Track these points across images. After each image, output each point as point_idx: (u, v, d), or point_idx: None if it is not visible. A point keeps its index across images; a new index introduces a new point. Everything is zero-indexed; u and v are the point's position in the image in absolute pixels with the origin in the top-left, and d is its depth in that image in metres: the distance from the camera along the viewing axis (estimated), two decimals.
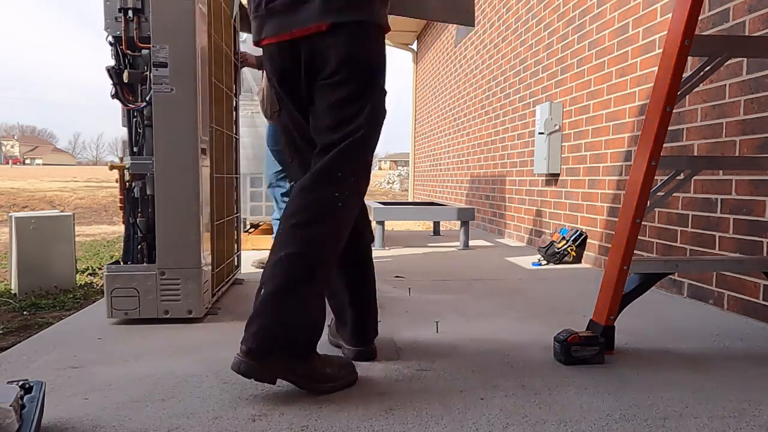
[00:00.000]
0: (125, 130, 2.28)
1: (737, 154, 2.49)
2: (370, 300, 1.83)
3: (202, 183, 2.25)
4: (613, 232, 1.88)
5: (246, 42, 3.35)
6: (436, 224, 5.82)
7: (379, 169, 68.86)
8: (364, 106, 1.63)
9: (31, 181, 18.16)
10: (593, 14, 3.82)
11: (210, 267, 2.41)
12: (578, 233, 3.85)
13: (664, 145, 1.86)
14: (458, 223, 4.75)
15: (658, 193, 1.99)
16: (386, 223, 4.88)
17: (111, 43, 2.20)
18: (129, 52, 2.18)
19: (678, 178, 2.02)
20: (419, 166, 10.75)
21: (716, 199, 2.62)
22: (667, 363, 1.82)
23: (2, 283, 3.81)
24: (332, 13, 1.57)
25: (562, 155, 4.28)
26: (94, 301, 2.92)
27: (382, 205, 4.93)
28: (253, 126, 4.52)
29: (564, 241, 3.86)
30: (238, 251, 3.17)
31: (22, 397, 1.25)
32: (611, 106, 3.56)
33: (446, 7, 2.67)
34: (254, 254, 4.04)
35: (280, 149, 3.35)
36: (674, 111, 1.80)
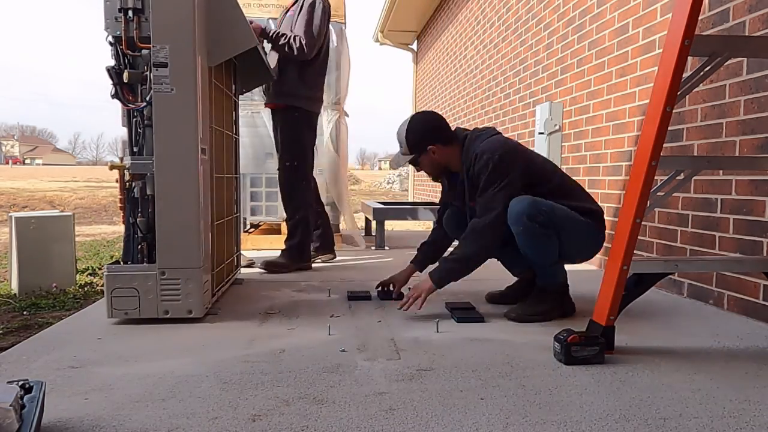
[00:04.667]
0: (125, 130, 2.28)
1: (737, 154, 2.49)
2: None
3: (202, 183, 2.26)
4: (613, 232, 1.88)
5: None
6: None
7: (379, 169, 68.69)
8: None
9: (31, 181, 18.16)
10: (593, 14, 3.82)
11: (210, 267, 2.41)
12: None
13: (664, 145, 1.85)
14: None
15: (658, 193, 1.99)
16: (386, 223, 4.88)
17: (111, 43, 2.20)
18: (129, 52, 2.18)
19: (678, 178, 2.02)
20: None
21: (716, 199, 2.62)
22: (667, 363, 1.82)
23: (2, 283, 3.81)
24: None
25: (562, 155, 4.27)
26: (94, 301, 2.92)
27: (382, 205, 4.93)
28: (253, 126, 4.51)
29: None
30: (238, 251, 3.17)
31: (22, 397, 1.25)
32: (611, 106, 3.56)
33: None
34: (254, 254, 4.04)
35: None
36: (674, 111, 1.80)
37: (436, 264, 2.41)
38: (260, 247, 4.37)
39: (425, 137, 2.45)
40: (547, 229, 2.24)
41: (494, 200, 2.29)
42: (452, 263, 2.34)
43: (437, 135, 2.47)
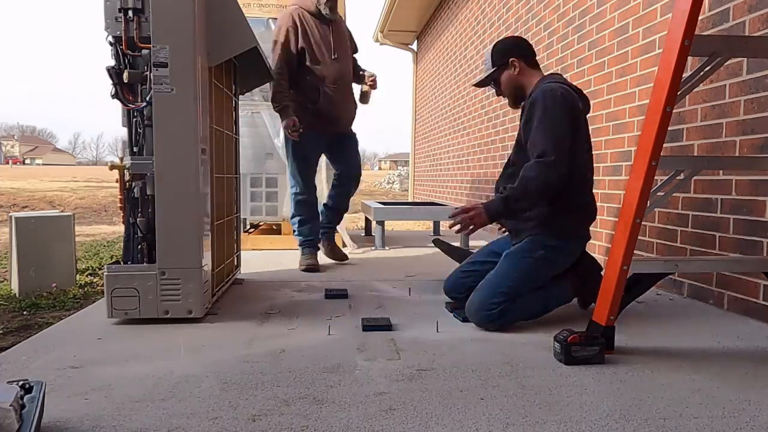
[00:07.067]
0: (125, 130, 2.28)
1: (737, 154, 2.49)
2: None
3: (202, 183, 2.26)
4: (614, 232, 1.88)
5: None
6: (436, 224, 5.82)
7: (379, 169, 68.79)
8: None
9: (31, 181, 18.15)
10: (593, 14, 3.82)
11: (210, 267, 2.41)
12: None
13: (664, 145, 1.86)
14: None
15: (658, 193, 1.99)
16: (386, 223, 4.88)
17: (111, 43, 2.20)
18: (129, 52, 2.18)
19: (678, 178, 2.03)
20: (419, 166, 10.75)
21: (716, 199, 2.62)
22: (667, 363, 1.82)
23: (2, 283, 3.81)
24: None
25: None
26: (94, 301, 2.92)
27: (382, 205, 4.93)
28: (253, 126, 4.51)
29: None
30: (238, 251, 3.17)
31: (22, 397, 1.25)
32: (611, 106, 3.56)
33: None
34: (255, 254, 4.04)
35: None
36: (674, 111, 1.80)
37: (498, 198, 2.32)
38: (260, 248, 4.37)
39: (511, 50, 2.49)
40: (511, 302, 2.22)
41: (545, 140, 2.25)
42: (511, 201, 2.26)
43: (523, 52, 2.50)
